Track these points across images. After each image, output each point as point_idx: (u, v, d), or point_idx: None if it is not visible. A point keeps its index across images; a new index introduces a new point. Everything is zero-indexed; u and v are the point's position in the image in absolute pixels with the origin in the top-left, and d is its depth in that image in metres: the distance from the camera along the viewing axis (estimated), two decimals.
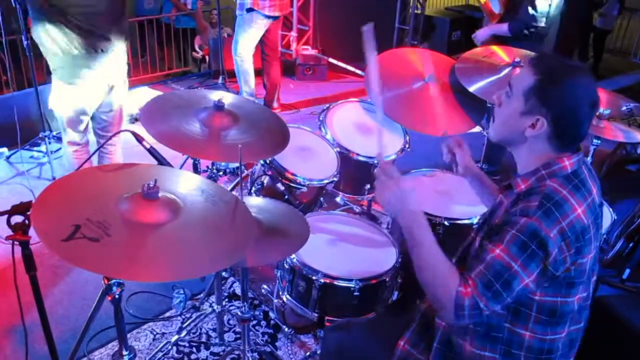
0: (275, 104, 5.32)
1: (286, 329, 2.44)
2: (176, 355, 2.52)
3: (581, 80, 1.41)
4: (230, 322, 2.71)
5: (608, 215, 2.59)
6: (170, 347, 2.53)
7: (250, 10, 4.77)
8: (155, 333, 2.66)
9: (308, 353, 2.52)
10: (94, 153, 2.02)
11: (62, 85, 2.87)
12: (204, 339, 2.61)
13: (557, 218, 1.36)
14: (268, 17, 4.83)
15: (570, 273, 1.42)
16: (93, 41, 2.81)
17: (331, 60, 6.53)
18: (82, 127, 2.93)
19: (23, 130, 3.76)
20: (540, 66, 1.44)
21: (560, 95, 1.40)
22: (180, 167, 2.97)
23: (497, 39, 3.66)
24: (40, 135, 4.07)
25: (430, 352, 1.64)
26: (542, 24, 3.49)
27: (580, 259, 1.42)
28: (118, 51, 2.94)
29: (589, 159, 3.48)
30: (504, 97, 1.52)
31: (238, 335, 2.63)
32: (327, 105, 2.88)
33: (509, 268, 1.36)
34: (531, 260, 1.36)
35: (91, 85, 2.87)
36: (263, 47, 5.12)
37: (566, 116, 1.41)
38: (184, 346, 2.56)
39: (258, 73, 5.38)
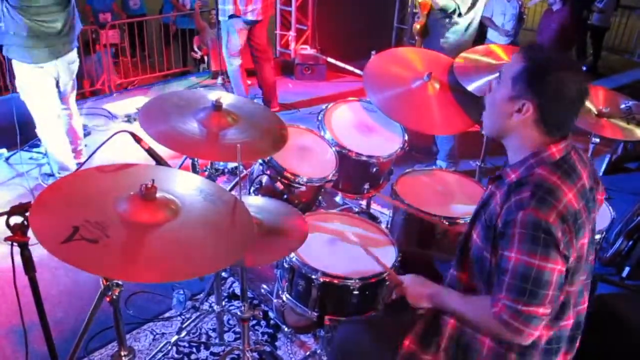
0: (274, 104, 5.32)
1: (286, 329, 2.44)
2: (176, 355, 2.52)
3: (569, 70, 1.44)
4: (230, 322, 2.71)
5: (607, 213, 2.59)
6: (170, 347, 2.53)
7: (232, 16, 4.78)
8: (155, 333, 2.66)
9: (308, 352, 2.52)
10: (93, 153, 2.01)
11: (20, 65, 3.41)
12: (203, 339, 2.61)
13: (552, 203, 1.38)
14: (250, 22, 4.84)
15: (575, 259, 1.43)
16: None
17: (330, 59, 6.52)
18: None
19: (22, 131, 3.76)
20: (530, 54, 1.48)
21: (547, 81, 1.43)
22: (179, 167, 2.97)
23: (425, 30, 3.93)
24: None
25: (438, 350, 1.64)
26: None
27: (579, 244, 1.43)
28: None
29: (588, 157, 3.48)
30: (494, 83, 1.56)
31: (238, 335, 2.63)
32: (326, 104, 2.88)
33: (532, 266, 1.37)
34: (548, 248, 1.37)
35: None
36: (252, 50, 5.13)
37: (552, 102, 1.44)
38: (184, 346, 2.56)
39: (252, 73, 5.39)
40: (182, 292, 2.75)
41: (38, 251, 1.42)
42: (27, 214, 1.39)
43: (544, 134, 1.48)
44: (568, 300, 1.51)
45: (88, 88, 6.22)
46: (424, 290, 1.72)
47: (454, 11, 3.63)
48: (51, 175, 3.89)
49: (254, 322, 2.70)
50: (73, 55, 3.64)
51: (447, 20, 3.71)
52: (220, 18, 4.92)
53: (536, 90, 1.44)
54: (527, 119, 1.47)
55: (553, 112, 1.45)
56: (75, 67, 3.70)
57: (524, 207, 1.38)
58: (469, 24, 3.78)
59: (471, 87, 2.67)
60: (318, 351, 2.34)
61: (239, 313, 2.06)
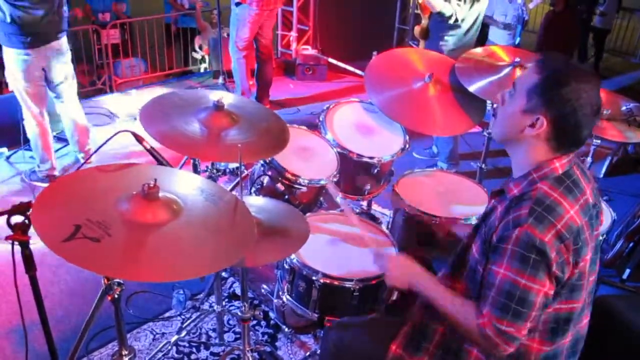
0: (264, 103, 5.33)
1: (286, 329, 2.44)
2: (176, 355, 2.52)
3: (586, 85, 1.38)
4: (230, 322, 2.71)
5: (608, 215, 2.59)
6: (170, 347, 2.53)
7: (238, 4, 4.79)
8: (155, 333, 2.66)
9: (308, 353, 2.52)
10: (93, 153, 2.02)
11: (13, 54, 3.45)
12: (203, 339, 2.61)
13: (550, 222, 1.35)
14: (256, 11, 4.82)
15: (574, 277, 1.42)
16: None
17: (331, 60, 6.53)
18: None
19: (23, 130, 3.77)
20: (546, 66, 1.43)
21: (563, 96, 1.38)
22: (180, 167, 2.97)
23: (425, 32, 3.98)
24: None
25: (424, 356, 1.64)
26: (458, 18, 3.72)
27: (580, 262, 1.41)
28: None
29: (589, 159, 3.49)
30: (507, 95, 1.52)
31: (238, 335, 2.63)
32: (327, 105, 2.88)
33: (517, 285, 1.36)
34: (537, 270, 1.35)
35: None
36: (257, 44, 5.13)
37: (567, 118, 1.39)
38: (184, 346, 2.56)
39: (253, 74, 5.39)
40: (182, 292, 2.75)
41: (39, 250, 1.42)
42: (28, 212, 1.39)
43: (553, 149, 1.45)
44: (570, 318, 1.50)
45: (89, 87, 6.23)
46: (406, 266, 1.69)
47: (451, 16, 3.64)
48: (34, 172, 3.90)
49: (254, 322, 2.69)
50: (62, 44, 3.65)
51: (446, 23, 3.72)
52: (232, 7, 4.94)
53: (551, 105, 1.39)
54: (539, 134, 1.43)
55: (568, 128, 1.41)
56: (67, 57, 3.71)
57: (520, 224, 1.36)
58: (470, 27, 3.79)
59: (472, 88, 2.67)
60: (318, 351, 2.34)
61: (239, 313, 2.07)
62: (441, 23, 3.76)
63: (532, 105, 1.42)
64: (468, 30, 3.79)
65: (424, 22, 3.98)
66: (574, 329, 1.54)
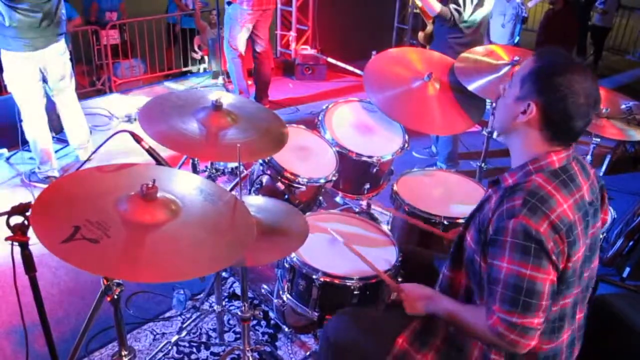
0: (264, 102, 5.33)
1: (286, 329, 2.44)
2: (176, 355, 2.52)
3: (580, 77, 1.40)
4: (230, 322, 2.71)
5: (608, 214, 2.58)
6: (170, 347, 2.53)
7: (229, 3, 4.80)
8: (155, 333, 2.66)
9: (308, 353, 2.52)
10: (93, 153, 2.02)
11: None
12: (204, 339, 2.61)
13: (544, 212, 1.36)
14: (248, 11, 4.81)
15: (569, 271, 1.42)
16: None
17: (330, 59, 6.52)
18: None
19: (23, 131, 3.77)
20: (542, 56, 1.46)
21: (554, 85, 1.40)
22: (179, 167, 2.97)
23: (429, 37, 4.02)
24: None
25: (431, 351, 1.64)
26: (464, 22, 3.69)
27: (573, 256, 1.42)
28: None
29: (588, 157, 3.49)
30: (507, 86, 1.56)
31: (238, 335, 2.63)
32: (326, 104, 2.88)
33: (523, 277, 1.36)
34: (540, 259, 1.36)
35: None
36: (253, 45, 5.13)
37: (556, 107, 1.41)
38: (184, 346, 2.56)
39: (250, 73, 5.39)
40: (182, 291, 2.75)
41: (38, 251, 1.42)
42: (28, 213, 1.39)
43: (548, 139, 1.46)
44: (563, 314, 1.50)
45: (89, 88, 6.23)
46: (420, 295, 1.72)
47: (450, 19, 3.64)
48: (34, 172, 3.89)
49: (255, 322, 2.70)
50: (61, 45, 3.66)
51: (448, 27, 3.70)
52: (225, 7, 4.95)
53: (541, 91, 1.42)
54: (530, 121, 1.45)
55: (557, 115, 1.42)
56: (66, 58, 3.72)
57: (515, 215, 1.37)
58: (474, 31, 3.76)
59: (472, 87, 2.67)
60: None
61: (239, 313, 2.07)
62: (444, 27, 3.75)
63: (524, 92, 1.45)
64: (472, 34, 3.76)
65: (429, 27, 3.97)
66: (570, 325, 1.54)
